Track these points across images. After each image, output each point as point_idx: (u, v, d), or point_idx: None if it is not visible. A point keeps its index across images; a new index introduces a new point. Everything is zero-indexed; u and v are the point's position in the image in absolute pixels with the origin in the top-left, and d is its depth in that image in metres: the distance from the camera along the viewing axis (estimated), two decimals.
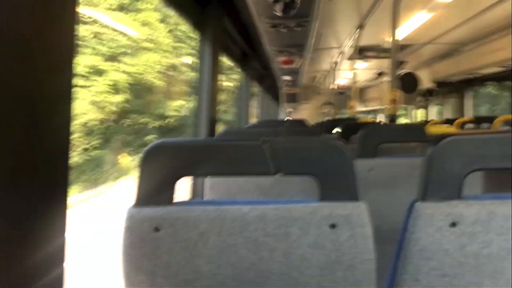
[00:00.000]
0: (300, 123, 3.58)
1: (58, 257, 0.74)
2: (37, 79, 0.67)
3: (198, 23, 2.57)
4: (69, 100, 0.75)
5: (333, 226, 0.77)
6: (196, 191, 2.49)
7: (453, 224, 0.77)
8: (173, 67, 15.60)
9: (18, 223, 0.65)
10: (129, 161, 12.29)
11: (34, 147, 0.68)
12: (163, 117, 14.48)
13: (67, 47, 0.75)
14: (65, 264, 0.76)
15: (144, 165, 0.79)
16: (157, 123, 14.27)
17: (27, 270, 0.67)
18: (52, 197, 0.72)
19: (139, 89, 14.17)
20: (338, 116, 8.52)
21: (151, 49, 14.79)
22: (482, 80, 6.62)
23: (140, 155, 0.80)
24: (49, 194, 0.71)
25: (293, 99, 10.52)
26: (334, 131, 3.64)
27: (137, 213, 0.77)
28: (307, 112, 12.50)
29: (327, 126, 3.60)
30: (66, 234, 0.76)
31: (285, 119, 9.42)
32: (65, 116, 0.75)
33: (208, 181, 1.58)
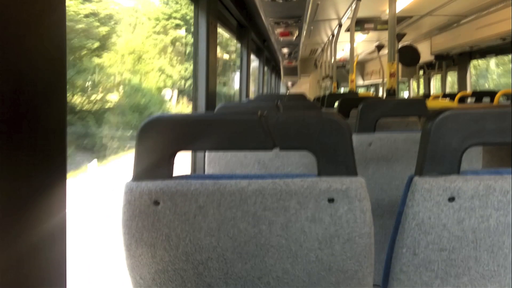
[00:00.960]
0: (299, 97, 3.56)
1: (59, 231, 0.75)
2: (29, 58, 0.67)
3: None
4: (64, 77, 0.76)
5: (331, 200, 0.77)
6: (197, 165, 2.52)
7: (451, 199, 0.77)
8: None
9: (17, 199, 0.66)
10: None
11: (30, 128, 0.68)
12: None
13: (58, 24, 0.75)
14: (67, 239, 0.77)
15: (141, 139, 0.79)
16: None
17: (28, 245, 0.68)
18: (51, 172, 0.73)
19: None
20: (338, 90, 8.49)
21: None
22: (482, 53, 6.56)
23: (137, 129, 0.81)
24: (47, 169, 0.72)
25: (292, 72, 10.44)
26: (335, 105, 3.63)
27: (136, 187, 0.78)
28: (307, 86, 12.44)
29: (327, 101, 3.59)
30: (66, 209, 0.77)
31: (285, 93, 9.39)
32: (61, 92, 0.76)
33: (208, 156, 1.59)
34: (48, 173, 0.73)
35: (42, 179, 0.71)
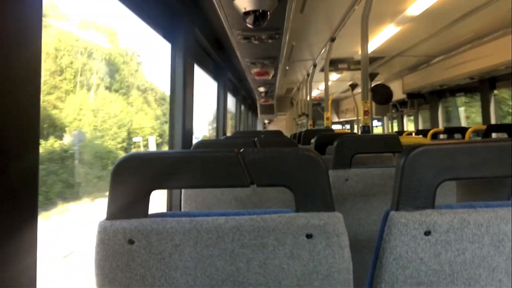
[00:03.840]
0: (276, 134, 3.58)
1: (29, 274, 0.75)
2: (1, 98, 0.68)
3: (168, 34, 2.59)
4: (37, 119, 0.76)
5: (309, 236, 0.76)
6: (173, 203, 2.49)
7: (427, 233, 0.78)
8: None
9: None
10: None
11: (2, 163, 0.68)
12: None
13: (35, 49, 0.75)
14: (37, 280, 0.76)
15: (116, 177, 0.78)
16: None
17: None
18: (22, 212, 0.73)
19: None
20: (314, 128, 8.59)
21: None
22: (452, 91, 6.78)
23: (112, 167, 0.80)
24: (18, 209, 0.72)
25: (269, 110, 10.54)
26: (311, 142, 3.66)
27: (110, 226, 0.76)
28: (284, 124, 12.58)
29: (303, 137, 3.63)
30: (37, 252, 0.76)
31: (262, 130, 9.44)
32: (33, 120, 0.76)
33: (184, 193, 1.57)
34: (19, 213, 0.72)
35: (12, 219, 0.70)
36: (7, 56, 0.69)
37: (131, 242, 0.76)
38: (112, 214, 0.78)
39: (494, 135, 4.19)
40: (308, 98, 7.42)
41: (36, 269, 0.77)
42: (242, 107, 8.65)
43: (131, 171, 0.78)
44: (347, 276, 0.78)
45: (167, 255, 0.77)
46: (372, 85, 6.83)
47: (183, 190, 1.59)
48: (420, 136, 5.15)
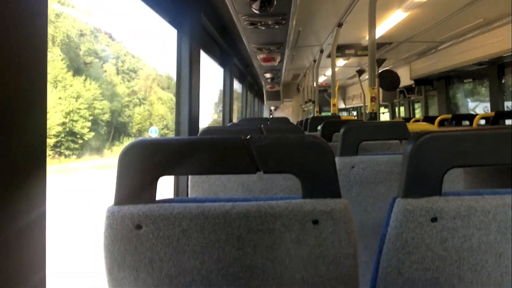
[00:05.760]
0: (282, 121, 3.57)
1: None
2: (9, 80, 0.68)
3: (174, 20, 2.58)
4: (44, 97, 0.77)
5: (315, 222, 0.77)
6: (180, 189, 2.50)
7: (434, 220, 0.78)
8: None
9: None
10: None
11: (9, 151, 0.68)
12: None
13: (40, 51, 0.76)
14: (46, 266, 0.78)
15: (123, 163, 0.79)
16: None
17: (7, 238, 0.68)
18: (30, 200, 0.74)
19: None
20: (321, 114, 8.56)
21: None
22: (460, 77, 6.72)
23: (119, 153, 0.80)
24: (26, 197, 0.73)
25: (275, 97, 10.53)
26: (317, 129, 3.65)
27: (118, 211, 0.77)
28: (290, 110, 12.55)
29: (310, 124, 3.63)
30: (46, 237, 0.78)
31: (268, 117, 9.43)
32: (40, 114, 0.77)
33: (191, 179, 1.58)
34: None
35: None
36: (12, 46, 0.70)
37: (139, 227, 0.77)
38: (120, 199, 0.79)
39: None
40: (314, 85, 7.38)
41: (45, 267, 0.78)
42: (249, 94, 8.64)
43: (139, 157, 0.79)
44: (353, 262, 0.79)
45: (175, 239, 0.78)
46: (380, 71, 6.79)
47: (190, 177, 1.60)
48: (428, 123, 5.13)
